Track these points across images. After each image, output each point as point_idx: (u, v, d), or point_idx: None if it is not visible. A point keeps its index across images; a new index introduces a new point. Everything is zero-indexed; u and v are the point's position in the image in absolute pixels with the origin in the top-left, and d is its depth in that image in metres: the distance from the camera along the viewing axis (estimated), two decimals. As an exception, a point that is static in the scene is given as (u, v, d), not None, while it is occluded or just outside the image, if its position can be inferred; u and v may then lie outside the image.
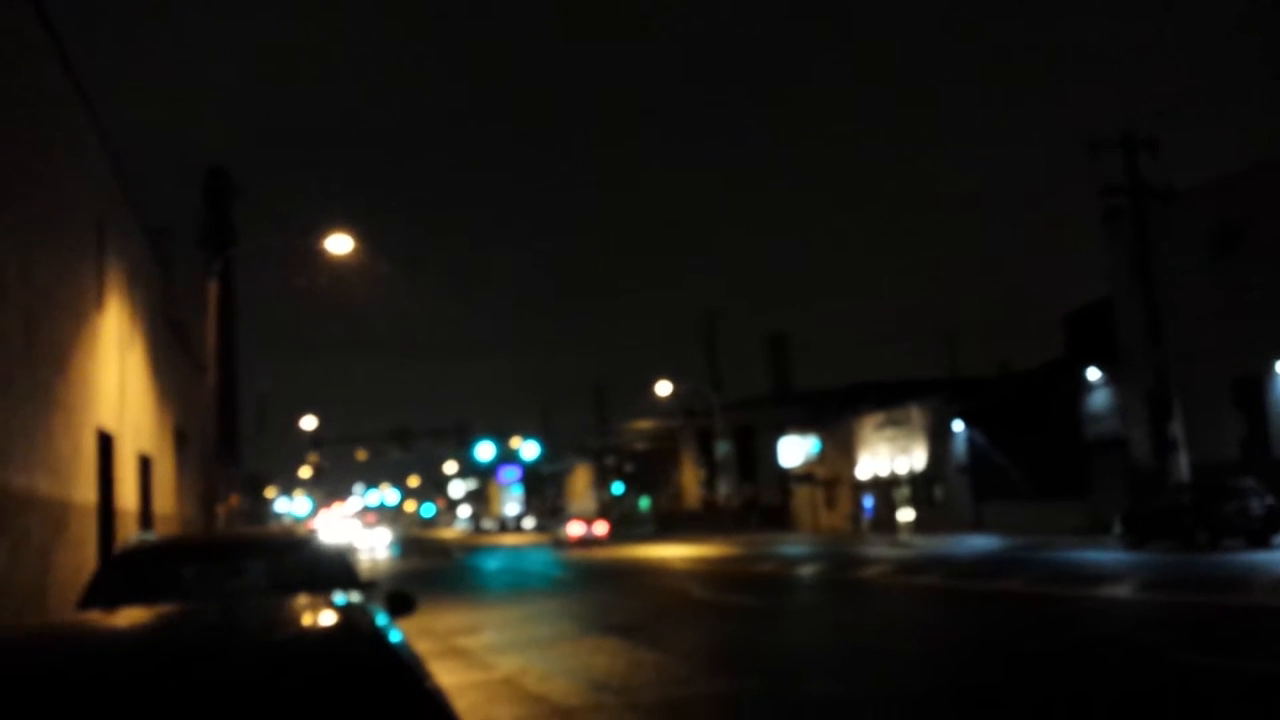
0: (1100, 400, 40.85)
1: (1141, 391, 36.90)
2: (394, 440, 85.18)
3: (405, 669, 2.67)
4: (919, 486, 53.49)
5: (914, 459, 53.96)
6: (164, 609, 3.61)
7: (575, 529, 64.54)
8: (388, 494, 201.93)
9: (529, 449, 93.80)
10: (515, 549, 64.37)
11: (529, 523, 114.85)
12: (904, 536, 48.33)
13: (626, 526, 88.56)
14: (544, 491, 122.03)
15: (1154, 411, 35.36)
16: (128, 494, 18.97)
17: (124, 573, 7.84)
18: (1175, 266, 34.82)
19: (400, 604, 8.51)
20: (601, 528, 64.82)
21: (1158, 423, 34.78)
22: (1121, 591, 19.18)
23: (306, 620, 3.25)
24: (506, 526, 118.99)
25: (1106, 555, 28.58)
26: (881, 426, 57.02)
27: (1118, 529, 31.49)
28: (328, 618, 3.21)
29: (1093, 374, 40.91)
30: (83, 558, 14.34)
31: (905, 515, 53.38)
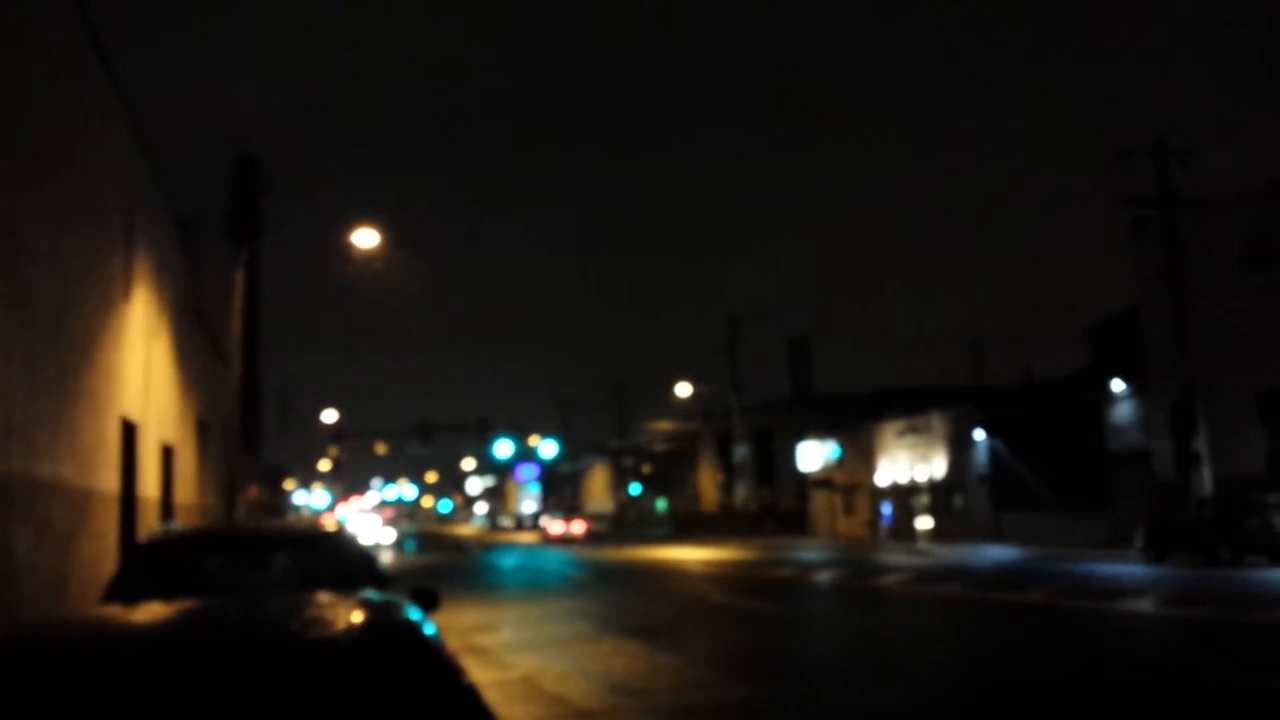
0: (1124, 412, 40.55)
1: (1166, 404, 36.63)
2: (415, 434, 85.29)
3: (442, 664, 2.66)
4: (939, 495, 53.20)
5: (934, 467, 53.69)
6: (192, 604, 3.59)
7: (555, 527, 72.09)
8: (405, 489, 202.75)
9: (547, 448, 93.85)
10: (532, 547, 64.48)
11: (545, 521, 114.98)
12: (922, 545, 48.12)
13: (643, 527, 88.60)
14: (561, 490, 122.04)
15: (1178, 425, 35.08)
16: (150, 483, 19.01)
17: (149, 564, 7.82)
18: (1204, 279, 34.50)
19: (424, 600, 8.49)
20: (579, 526, 71.92)
21: (1182, 436, 34.53)
22: (1143, 606, 19.02)
23: (340, 616, 3.22)
24: (523, 524, 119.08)
25: (1127, 569, 28.37)
26: (902, 433, 56.76)
27: (1139, 542, 31.28)
28: (361, 613, 3.20)
29: (1117, 385, 40.60)
30: (104, 546, 14.37)
31: (924, 523, 53.11)
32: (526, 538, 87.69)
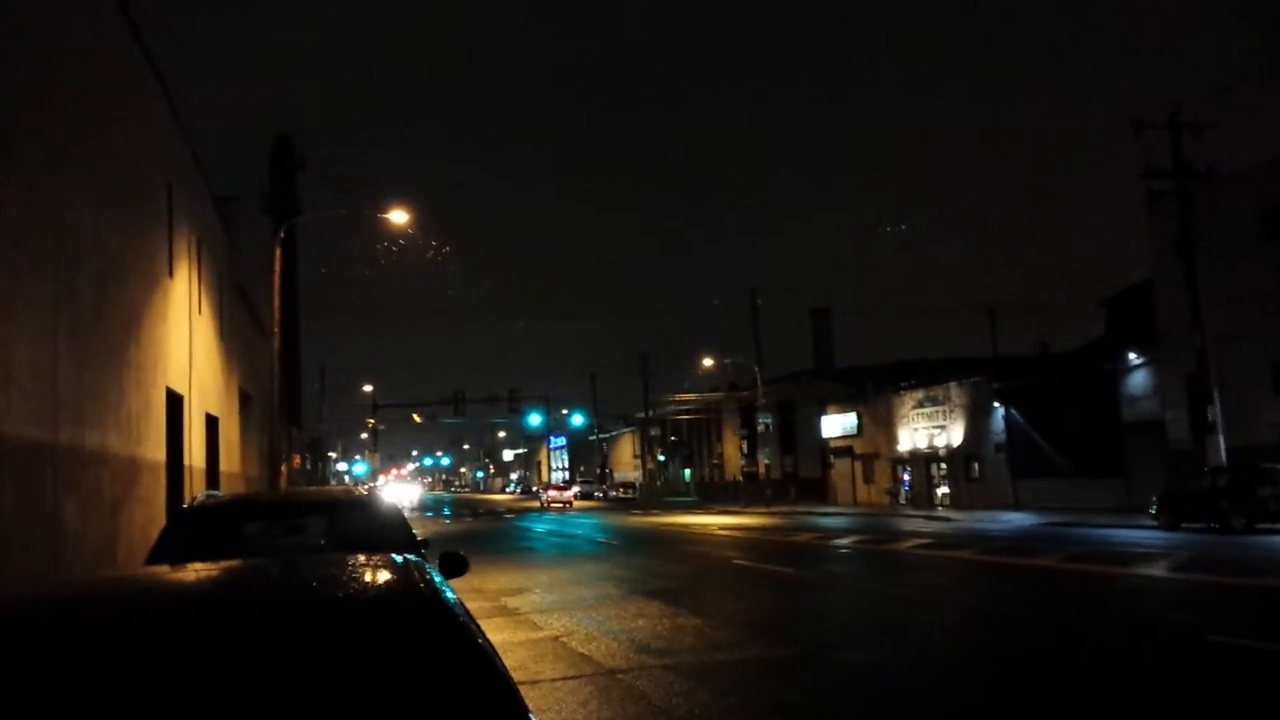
0: (1139, 381, 40.80)
1: (1181, 374, 36.85)
2: (448, 406, 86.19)
3: (459, 626, 2.73)
4: (956, 463, 53.64)
5: (952, 436, 54.08)
6: (226, 565, 3.72)
7: (552, 494, 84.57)
8: (441, 458, 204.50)
9: (576, 418, 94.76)
10: (561, 513, 65.19)
11: (575, 488, 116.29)
12: (940, 511, 48.54)
13: (669, 495, 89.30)
14: (590, 459, 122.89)
15: (1193, 394, 35.31)
16: (195, 452, 19.60)
17: (189, 530, 8.00)
18: (1218, 249, 34.59)
19: (453, 565, 8.71)
20: (570, 494, 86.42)
21: (1196, 405, 34.74)
22: (1155, 571, 19.35)
23: (364, 577, 3.27)
24: (578, 493, 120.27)
25: (1141, 535, 28.71)
26: (921, 403, 57.16)
27: (1153, 510, 31.61)
28: (384, 575, 3.25)
29: (1132, 356, 40.87)
30: (151, 513, 14.94)
31: (942, 491, 53.63)
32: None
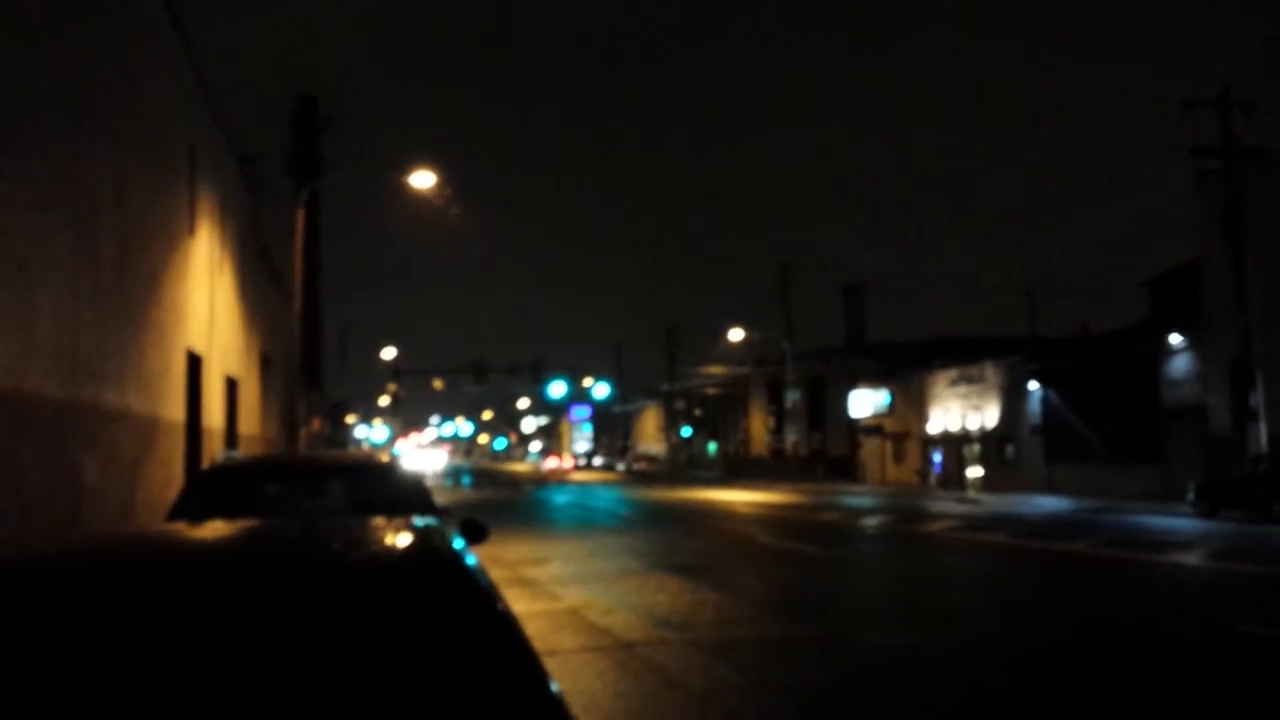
0: (1181, 366, 40.05)
1: (1224, 358, 36.11)
2: (470, 373, 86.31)
3: (480, 590, 2.71)
4: (990, 444, 52.98)
5: (986, 416, 53.41)
6: (247, 523, 3.69)
7: (551, 463, 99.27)
8: (462, 426, 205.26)
9: (600, 389, 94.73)
10: (584, 485, 65.23)
11: (598, 460, 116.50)
12: (972, 493, 48.09)
13: (693, 470, 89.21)
14: (614, 431, 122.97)
15: (1236, 379, 34.59)
16: (214, 413, 19.49)
17: (210, 489, 7.95)
18: (1267, 231, 33.85)
19: (473, 532, 8.68)
20: (568, 463, 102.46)
21: (1239, 391, 34.06)
22: (1188, 559, 19.00)
23: (386, 539, 3.28)
24: (576, 464, 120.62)
25: (1178, 522, 28.27)
26: (955, 382, 56.47)
27: (1191, 497, 31.07)
28: (406, 538, 3.24)
29: (1174, 338, 40.08)
30: (170, 474, 14.82)
31: (974, 472, 53.01)
32: (580, 476, 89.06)
